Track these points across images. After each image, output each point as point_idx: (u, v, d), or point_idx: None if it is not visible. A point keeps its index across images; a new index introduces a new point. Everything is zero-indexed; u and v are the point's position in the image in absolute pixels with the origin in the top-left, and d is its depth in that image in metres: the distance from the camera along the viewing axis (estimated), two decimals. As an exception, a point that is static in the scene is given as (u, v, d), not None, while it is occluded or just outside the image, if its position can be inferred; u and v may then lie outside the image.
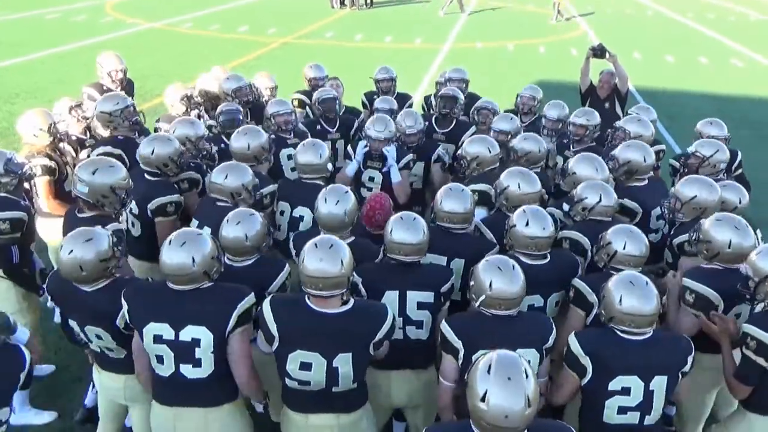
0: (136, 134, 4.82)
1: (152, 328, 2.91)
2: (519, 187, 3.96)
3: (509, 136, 5.07)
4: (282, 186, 4.41)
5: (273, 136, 4.94)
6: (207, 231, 3.69)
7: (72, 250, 2.98)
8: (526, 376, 2.20)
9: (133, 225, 4.23)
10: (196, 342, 2.89)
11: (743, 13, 27.70)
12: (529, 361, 2.90)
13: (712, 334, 3.25)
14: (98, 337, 3.19)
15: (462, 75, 6.61)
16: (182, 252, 2.86)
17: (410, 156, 5.00)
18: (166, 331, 2.90)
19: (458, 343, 2.93)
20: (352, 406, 3.04)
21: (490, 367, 2.22)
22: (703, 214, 3.78)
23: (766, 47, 18.75)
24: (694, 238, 3.45)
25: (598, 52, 7.06)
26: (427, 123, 5.63)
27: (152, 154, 4.15)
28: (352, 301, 2.94)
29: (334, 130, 5.56)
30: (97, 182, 3.57)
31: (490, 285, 2.90)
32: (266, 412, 3.42)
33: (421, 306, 3.30)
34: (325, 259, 2.83)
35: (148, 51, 15.00)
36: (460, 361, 2.94)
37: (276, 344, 2.87)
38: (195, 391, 3.00)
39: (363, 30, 18.92)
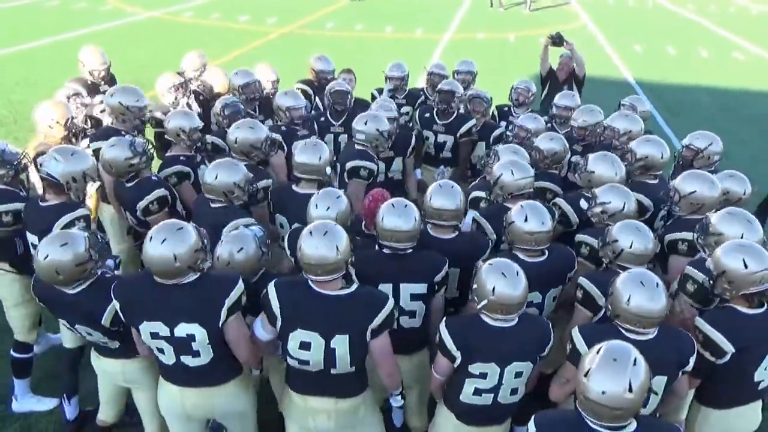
0: (137, 133, 4.79)
1: (147, 326, 2.95)
2: (512, 174, 3.96)
3: (530, 134, 5.13)
4: (277, 197, 4.29)
5: (284, 128, 4.93)
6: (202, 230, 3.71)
7: (48, 255, 2.98)
8: (634, 363, 2.25)
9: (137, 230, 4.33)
10: (191, 337, 2.94)
11: (744, 6, 27.60)
12: (522, 372, 2.98)
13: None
14: (89, 333, 3.26)
15: (469, 67, 6.64)
16: (163, 248, 2.84)
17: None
18: (161, 328, 2.93)
19: (457, 353, 2.97)
20: (351, 392, 3.10)
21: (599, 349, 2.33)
22: (700, 209, 3.76)
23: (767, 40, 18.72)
24: (700, 233, 3.41)
25: (557, 40, 7.33)
26: (427, 114, 5.64)
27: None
28: (355, 285, 2.99)
29: (338, 123, 5.55)
30: (72, 166, 3.63)
31: (494, 290, 2.91)
32: (261, 374, 3.58)
33: (414, 297, 3.35)
34: (320, 246, 2.88)
35: (147, 40, 14.96)
36: (455, 366, 3.00)
37: (279, 324, 2.93)
38: (199, 375, 3.07)
39: (363, 20, 18.85)
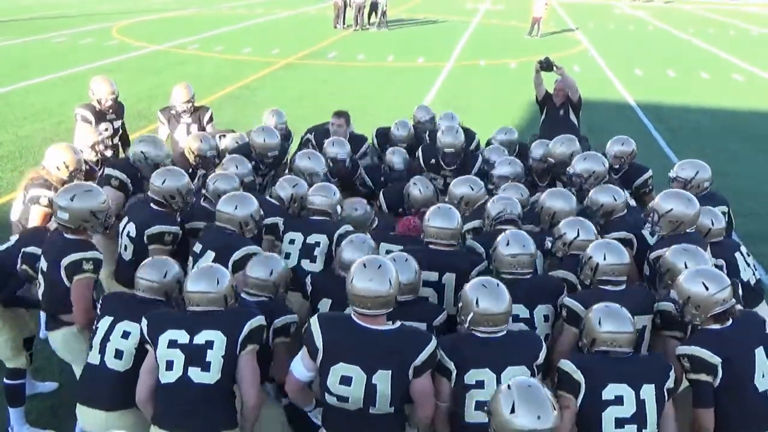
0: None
1: (168, 334, 3.03)
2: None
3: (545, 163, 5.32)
4: (287, 221, 4.38)
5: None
6: (211, 256, 3.85)
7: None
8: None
9: (125, 248, 4.26)
10: (209, 344, 3.00)
11: (744, 28, 27.86)
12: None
13: None
14: (126, 335, 3.30)
15: (429, 114, 6.54)
16: (207, 277, 3.10)
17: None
18: (181, 336, 3.02)
19: (450, 364, 2.98)
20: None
21: None
22: (679, 227, 3.87)
23: (767, 62, 18.84)
24: (677, 302, 3.30)
25: (545, 65, 7.17)
26: (433, 161, 5.53)
27: (163, 184, 4.20)
28: (399, 323, 2.98)
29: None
30: (77, 207, 3.62)
31: (477, 302, 2.98)
32: None
33: None
34: (374, 279, 2.88)
35: (153, 73, 15.18)
36: (453, 383, 2.99)
37: (320, 357, 2.91)
38: (195, 410, 3.02)
39: (365, 50, 19.09)
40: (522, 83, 15.17)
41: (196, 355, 3.00)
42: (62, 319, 3.71)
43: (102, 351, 3.31)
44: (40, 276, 3.79)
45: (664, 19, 29.87)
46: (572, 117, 7.12)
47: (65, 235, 3.69)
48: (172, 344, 3.01)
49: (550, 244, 4.09)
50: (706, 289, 3.09)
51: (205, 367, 3.00)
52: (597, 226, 4.26)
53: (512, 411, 2.40)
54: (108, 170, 4.80)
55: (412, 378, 2.89)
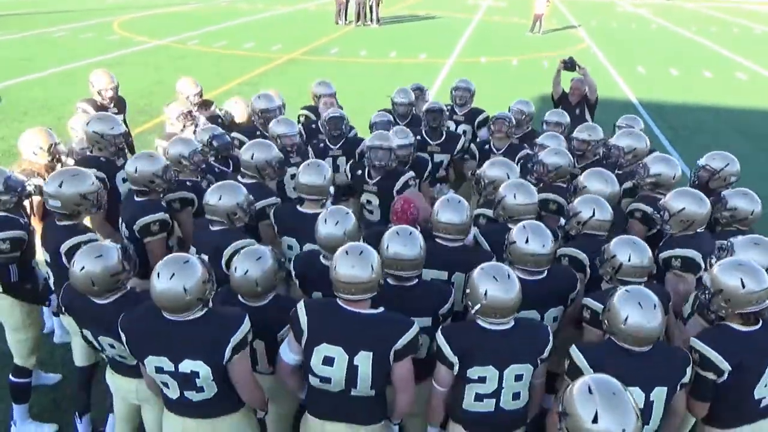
0: (117, 158, 4.79)
1: (152, 360, 2.97)
2: (515, 197, 3.98)
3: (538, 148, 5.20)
4: (282, 219, 4.26)
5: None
6: (204, 258, 3.75)
7: (83, 267, 3.05)
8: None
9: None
10: (195, 374, 2.94)
11: (747, 26, 27.79)
12: (522, 375, 2.99)
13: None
14: (111, 346, 3.27)
15: (467, 85, 6.65)
16: (172, 283, 2.85)
17: (410, 173, 5.04)
18: (165, 363, 2.95)
19: (454, 358, 2.98)
20: (369, 419, 3.08)
21: None
22: (690, 226, 3.79)
23: (770, 60, 18.81)
24: (707, 290, 3.14)
25: (569, 65, 7.39)
26: (418, 137, 5.69)
27: (136, 172, 4.15)
28: (382, 308, 3.03)
29: (337, 147, 5.62)
30: (66, 193, 3.66)
31: (486, 294, 2.93)
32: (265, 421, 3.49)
33: (420, 331, 3.30)
34: (357, 265, 2.94)
35: (155, 68, 15.16)
36: (454, 373, 3.00)
37: (305, 339, 2.97)
38: (202, 408, 3.06)
39: (367, 46, 19.06)
40: (523, 80, 15.18)
41: (186, 382, 2.98)
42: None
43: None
44: (47, 268, 3.85)
45: (667, 17, 29.81)
46: (587, 116, 7.22)
47: (58, 222, 3.75)
48: (159, 370, 2.98)
49: (564, 221, 3.99)
50: (743, 285, 2.92)
51: (199, 389, 3.00)
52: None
53: (594, 420, 2.19)
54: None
55: (393, 362, 2.94)
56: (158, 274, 2.87)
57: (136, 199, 4.21)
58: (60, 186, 3.68)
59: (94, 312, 3.18)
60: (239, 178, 4.50)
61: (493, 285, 2.93)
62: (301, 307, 3.03)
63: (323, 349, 2.94)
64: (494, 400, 3.02)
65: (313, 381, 3.02)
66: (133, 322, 3.02)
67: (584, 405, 2.19)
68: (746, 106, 13.69)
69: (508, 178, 4.37)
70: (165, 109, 5.83)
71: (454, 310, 3.46)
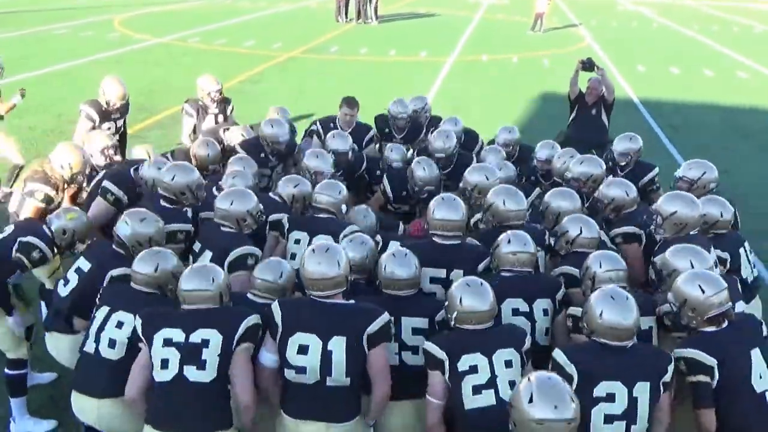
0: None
1: (164, 333, 3.03)
2: (504, 203, 4.06)
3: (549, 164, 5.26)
4: (292, 219, 4.31)
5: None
6: (209, 255, 3.87)
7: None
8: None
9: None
10: (205, 342, 3.00)
11: (748, 25, 27.76)
12: (510, 361, 3.07)
13: None
14: (119, 324, 3.32)
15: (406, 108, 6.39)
16: (200, 276, 3.11)
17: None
18: (177, 334, 3.02)
19: (442, 354, 3.04)
20: (344, 416, 3.10)
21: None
22: (683, 229, 3.86)
23: (771, 59, 18.78)
24: (673, 305, 3.27)
25: (587, 65, 7.40)
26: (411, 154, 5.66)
27: (172, 180, 4.26)
28: (353, 300, 3.17)
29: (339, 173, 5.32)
30: (140, 233, 3.73)
31: (461, 301, 3.09)
32: None
33: (416, 332, 3.37)
34: (323, 262, 3.09)
35: (155, 65, 15.14)
36: (447, 374, 3.02)
37: (279, 333, 3.06)
38: (190, 409, 3.01)
39: (368, 44, 19.04)
40: (524, 79, 15.17)
41: (191, 354, 3.00)
42: (77, 324, 3.74)
43: (97, 340, 3.36)
44: (73, 273, 3.80)
45: (668, 15, 29.77)
46: (603, 117, 7.25)
47: (114, 248, 3.80)
48: (168, 342, 3.02)
49: (552, 241, 4.08)
50: (703, 292, 3.11)
51: (201, 365, 3.00)
52: (604, 222, 4.25)
53: (530, 401, 2.49)
54: (106, 183, 4.72)
55: (367, 349, 3.02)
56: (188, 272, 3.19)
57: (163, 203, 4.30)
58: (138, 224, 3.76)
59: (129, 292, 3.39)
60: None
61: (467, 292, 3.12)
62: (275, 305, 3.14)
63: (297, 339, 3.04)
64: (492, 390, 3.02)
65: (289, 374, 3.07)
66: (153, 308, 3.21)
67: (523, 392, 2.54)
68: (747, 104, 13.67)
69: (487, 180, 4.53)
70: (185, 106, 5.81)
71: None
